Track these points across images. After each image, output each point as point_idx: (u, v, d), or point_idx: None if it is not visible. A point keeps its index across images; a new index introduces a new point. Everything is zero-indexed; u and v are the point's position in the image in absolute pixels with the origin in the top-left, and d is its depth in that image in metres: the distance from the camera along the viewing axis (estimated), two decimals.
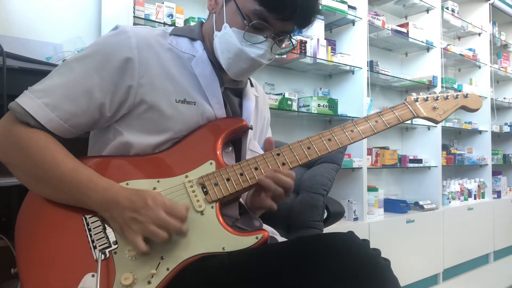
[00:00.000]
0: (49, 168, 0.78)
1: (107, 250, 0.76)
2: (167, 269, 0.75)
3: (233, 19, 0.86)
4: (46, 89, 0.80)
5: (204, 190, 0.82)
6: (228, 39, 0.86)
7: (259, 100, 1.08)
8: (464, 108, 1.02)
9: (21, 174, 0.80)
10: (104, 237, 0.77)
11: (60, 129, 0.81)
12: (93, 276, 0.73)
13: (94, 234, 0.77)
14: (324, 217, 1.25)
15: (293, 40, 0.92)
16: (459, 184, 3.34)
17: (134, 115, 0.85)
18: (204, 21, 1.00)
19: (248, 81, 1.05)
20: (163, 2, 1.81)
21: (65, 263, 0.75)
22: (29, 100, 0.79)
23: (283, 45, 0.94)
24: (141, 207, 0.74)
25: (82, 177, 0.78)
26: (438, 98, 1.00)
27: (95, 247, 0.76)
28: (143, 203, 0.74)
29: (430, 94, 1.00)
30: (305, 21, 0.88)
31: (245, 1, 0.84)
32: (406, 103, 0.98)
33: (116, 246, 0.76)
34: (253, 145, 1.00)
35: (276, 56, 0.94)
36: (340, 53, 2.51)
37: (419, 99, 0.98)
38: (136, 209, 0.74)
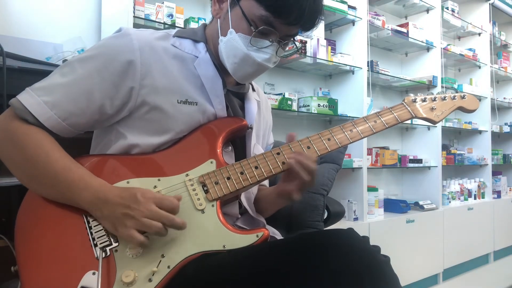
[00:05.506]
0: (42, 165, 0.78)
1: (108, 248, 0.76)
2: (168, 266, 0.75)
3: (239, 24, 0.86)
4: (47, 87, 0.81)
5: (205, 188, 0.83)
6: (234, 45, 0.87)
7: (261, 104, 1.09)
8: (461, 109, 1.03)
9: (16, 170, 0.80)
10: (105, 235, 0.77)
11: (58, 127, 0.81)
12: (94, 274, 0.73)
13: (95, 232, 0.77)
14: (325, 217, 1.25)
15: (296, 43, 0.93)
16: (459, 184, 3.34)
17: (136, 116, 0.86)
18: (205, 22, 1.00)
19: (250, 86, 1.05)
20: (163, 2, 1.81)
21: (65, 261, 0.75)
22: (29, 97, 0.79)
23: (287, 47, 0.95)
24: (132, 202, 0.74)
25: (74, 176, 0.78)
26: (436, 99, 1.00)
27: (95, 245, 0.76)
28: (133, 198, 0.74)
29: (427, 95, 1.01)
30: (310, 25, 0.88)
31: (250, 7, 0.84)
32: (404, 103, 0.98)
33: (117, 244, 0.77)
34: (257, 149, 1.00)
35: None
36: (340, 53, 2.51)
37: (417, 100, 0.99)
38: (127, 204, 0.74)
